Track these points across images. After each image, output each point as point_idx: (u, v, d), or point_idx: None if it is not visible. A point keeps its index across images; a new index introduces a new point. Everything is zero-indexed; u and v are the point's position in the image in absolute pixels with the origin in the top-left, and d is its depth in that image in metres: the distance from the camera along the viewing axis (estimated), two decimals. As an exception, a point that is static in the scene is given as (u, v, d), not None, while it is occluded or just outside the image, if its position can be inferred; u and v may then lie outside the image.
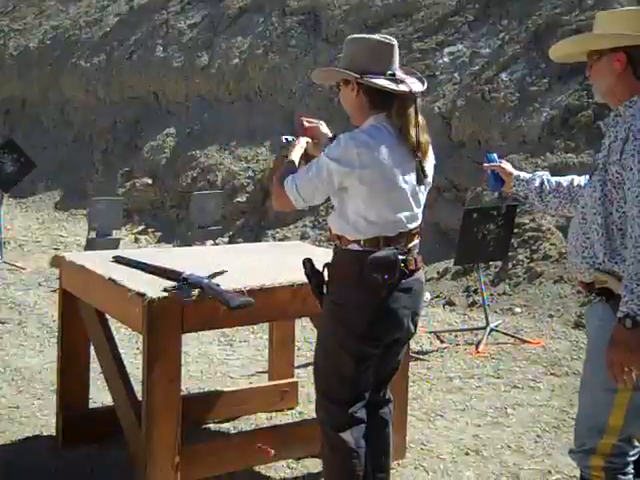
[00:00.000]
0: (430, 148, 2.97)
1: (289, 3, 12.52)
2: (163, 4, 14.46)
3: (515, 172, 3.02)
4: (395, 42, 2.92)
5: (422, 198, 2.98)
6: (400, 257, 2.84)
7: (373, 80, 2.82)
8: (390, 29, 10.98)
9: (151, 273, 3.50)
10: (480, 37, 10.00)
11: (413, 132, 2.84)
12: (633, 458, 2.60)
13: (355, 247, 2.86)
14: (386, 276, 2.81)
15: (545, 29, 9.19)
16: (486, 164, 3.10)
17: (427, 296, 7.40)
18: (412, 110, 2.86)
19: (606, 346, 2.40)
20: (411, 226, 2.92)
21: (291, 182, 2.90)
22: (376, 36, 2.97)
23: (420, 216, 2.98)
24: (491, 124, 8.90)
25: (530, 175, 2.99)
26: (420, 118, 2.89)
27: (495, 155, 3.12)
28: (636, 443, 2.61)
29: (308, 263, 3.01)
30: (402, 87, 2.83)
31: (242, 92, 12.39)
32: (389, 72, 2.85)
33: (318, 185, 2.85)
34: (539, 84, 8.84)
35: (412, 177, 2.89)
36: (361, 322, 2.87)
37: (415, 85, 2.88)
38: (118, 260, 3.79)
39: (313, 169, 2.87)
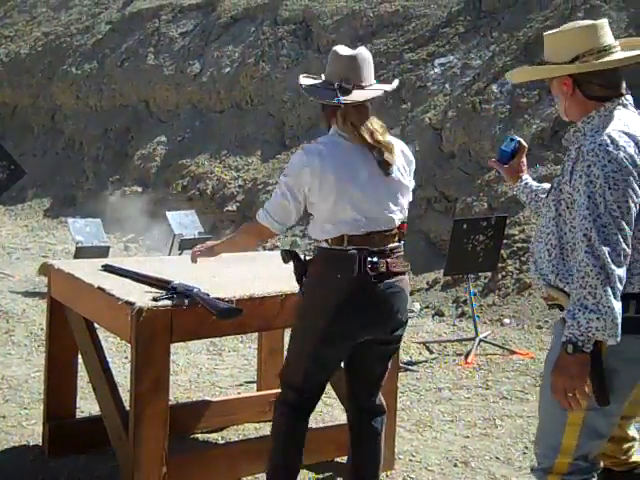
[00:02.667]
0: (396, 149, 3.02)
1: (281, 13, 12.56)
2: (155, 12, 14.48)
3: (525, 175, 2.97)
4: (355, 52, 2.99)
5: (395, 199, 3.01)
6: (370, 258, 2.90)
7: (316, 94, 3.00)
8: (381, 40, 11.03)
9: (140, 282, 3.49)
10: (471, 49, 10.04)
11: (366, 134, 2.94)
12: (592, 477, 2.54)
13: (324, 245, 2.98)
14: (338, 275, 2.90)
15: (535, 41, 9.23)
16: (504, 146, 2.96)
17: (417, 306, 7.41)
18: (358, 116, 2.94)
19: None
20: (383, 227, 2.97)
21: (262, 211, 3.05)
22: (339, 48, 3.05)
23: (395, 218, 3.00)
24: (482, 135, 8.93)
25: (536, 184, 2.94)
26: (373, 121, 2.98)
27: (516, 137, 2.99)
28: (600, 463, 2.57)
29: (291, 254, 3.08)
30: (342, 98, 2.92)
31: (233, 101, 12.40)
32: (337, 83, 2.95)
33: (286, 204, 2.99)
34: (529, 96, 8.88)
35: (375, 178, 2.95)
36: (319, 320, 2.96)
37: (356, 96, 2.94)
38: (107, 269, 3.77)
39: (277, 191, 3.02)
